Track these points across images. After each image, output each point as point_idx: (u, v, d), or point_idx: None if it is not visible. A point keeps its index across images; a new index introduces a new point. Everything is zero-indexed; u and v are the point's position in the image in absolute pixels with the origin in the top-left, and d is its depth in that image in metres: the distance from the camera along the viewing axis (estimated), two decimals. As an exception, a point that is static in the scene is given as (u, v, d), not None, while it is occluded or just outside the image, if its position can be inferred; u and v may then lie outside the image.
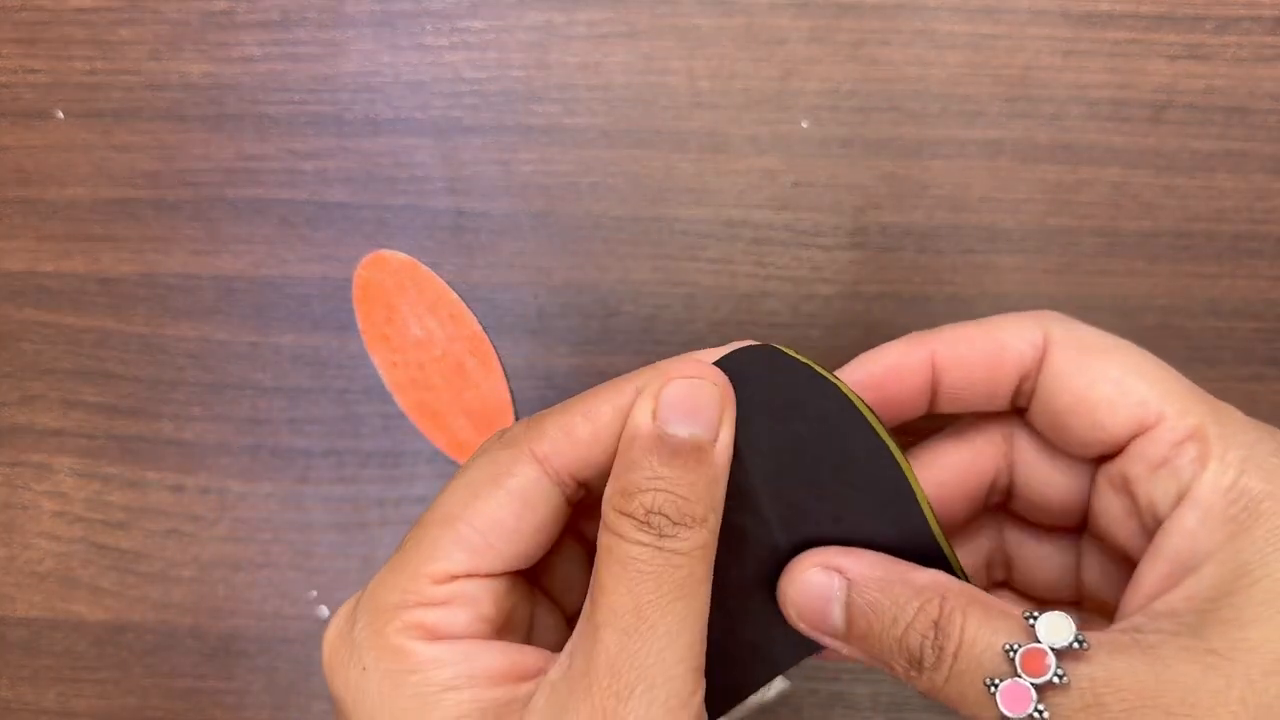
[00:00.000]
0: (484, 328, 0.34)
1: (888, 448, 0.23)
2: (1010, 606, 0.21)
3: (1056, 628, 0.20)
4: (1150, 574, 0.22)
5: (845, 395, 0.23)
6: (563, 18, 0.34)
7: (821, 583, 0.23)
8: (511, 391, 0.33)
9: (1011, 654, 0.20)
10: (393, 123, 0.34)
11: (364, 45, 0.34)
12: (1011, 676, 0.20)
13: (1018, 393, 0.24)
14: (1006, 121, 0.33)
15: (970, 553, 0.28)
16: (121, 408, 0.34)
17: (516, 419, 0.33)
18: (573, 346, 0.33)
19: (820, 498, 0.23)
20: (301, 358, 0.34)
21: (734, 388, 0.23)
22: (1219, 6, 0.32)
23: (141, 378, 0.35)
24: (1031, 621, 0.20)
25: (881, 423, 0.23)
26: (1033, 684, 0.20)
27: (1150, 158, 0.32)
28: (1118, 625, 0.21)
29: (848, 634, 0.22)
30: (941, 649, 0.21)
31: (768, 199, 0.33)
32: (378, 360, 0.34)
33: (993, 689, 0.20)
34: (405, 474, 0.34)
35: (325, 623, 0.33)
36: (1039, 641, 0.20)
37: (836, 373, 0.24)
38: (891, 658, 0.22)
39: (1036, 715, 0.20)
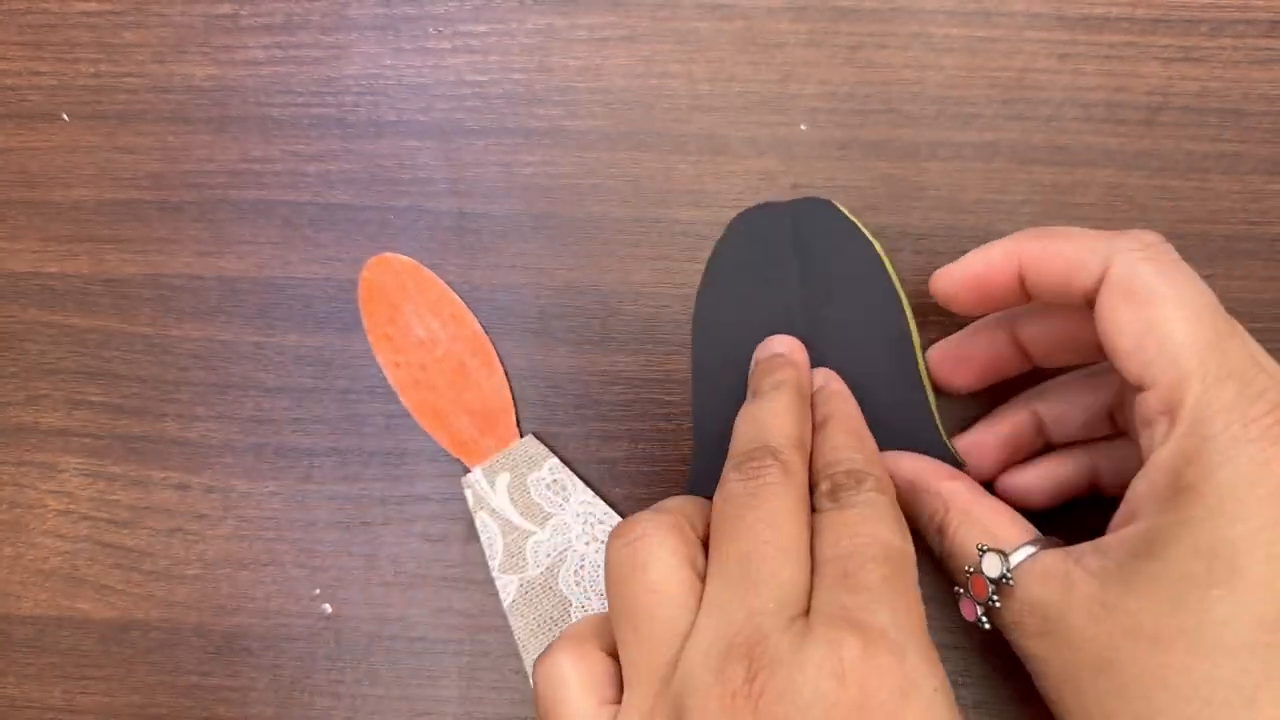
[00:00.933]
0: (485, 328, 0.34)
1: (899, 297, 0.31)
2: (991, 525, 0.27)
3: (992, 564, 0.26)
4: (1120, 510, 0.25)
5: (878, 254, 0.31)
6: (564, 21, 0.34)
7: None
8: (513, 391, 0.34)
9: (968, 575, 0.27)
10: (395, 125, 0.34)
11: (367, 48, 0.35)
12: (966, 594, 0.27)
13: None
14: (1002, 124, 0.33)
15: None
16: (126, 407, 0.35)
17: (518, 419, 0.33)
18: (573, 346, 0.34)
19: (840, 324, 0.31)
20: (305, 358, 0.34)
21: (798, 226, 0.32)
22: (1213, 9, 0.33)
23: (146, 378, 0.35)
24: (980, 553, 0.26)
25: (901, 283, 0.31)
26: (977, 603, 0.26)
27: (1145, 160, 0.33)
28: (1080, 546, 0.25)
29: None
30: (943, 547, 0.28)
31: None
32: (381, 360, 0.34)
33: (958, 597, 0.27)
34: (408, 473, 0.34)
35: (330, 619, 0.33)
36: (982, 572, 0.26)
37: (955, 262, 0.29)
38: (928, 538, 0.29)
39: (981, 622, 0.26)
